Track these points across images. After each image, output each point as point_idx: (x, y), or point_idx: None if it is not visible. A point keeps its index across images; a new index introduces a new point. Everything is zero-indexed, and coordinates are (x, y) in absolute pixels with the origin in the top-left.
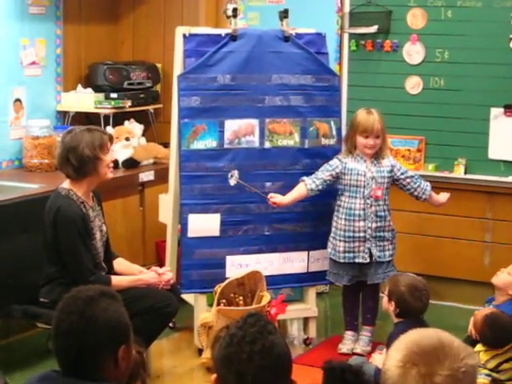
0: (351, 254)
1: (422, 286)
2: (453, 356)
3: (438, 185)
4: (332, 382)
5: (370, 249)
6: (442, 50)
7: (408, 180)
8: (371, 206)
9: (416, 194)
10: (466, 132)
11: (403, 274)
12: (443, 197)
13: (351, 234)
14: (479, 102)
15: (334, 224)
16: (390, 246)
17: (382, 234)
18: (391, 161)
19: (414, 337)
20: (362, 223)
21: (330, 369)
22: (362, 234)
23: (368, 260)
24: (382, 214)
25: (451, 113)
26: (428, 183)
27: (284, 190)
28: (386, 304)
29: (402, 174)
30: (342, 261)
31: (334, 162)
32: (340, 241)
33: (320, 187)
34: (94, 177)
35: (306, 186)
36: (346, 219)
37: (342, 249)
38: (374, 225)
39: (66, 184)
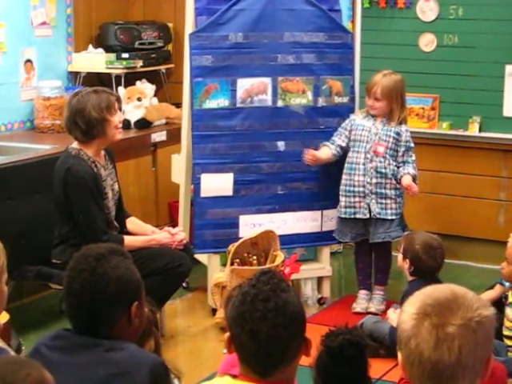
0: (352, 210)
1: (437, 244)
2: (466, 306)
3: (453, 143)
4: (331, 360)
5: (369, 204)
6: (456, 6)
7: (404, 157)
8: (371, 160)
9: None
10: (480, 90)
11: (418, 232)
12: (406, 179)
13: (351, 189)
14: (494, 59)
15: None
16: (394, 204)
17: (383, 190)
18: (403, 128)
19: (427, 291)
20: (361, 178)
21: (328, 348)
22: (361, 189)
23: (367, 216)
24: (383, 170)
25: (465, 70)
26: (414, 172)
27: (297, 149)
28: (401, 262)
29: (404, 148)
30: (343, 216)
31: (345, 122)
32: (342, 195)
33: (341, 152)
34: (102, 139)
35: (330, 151)
36: (347, 173)
37: (343, 203)
38: (374, 180)
39: (76, 144)
